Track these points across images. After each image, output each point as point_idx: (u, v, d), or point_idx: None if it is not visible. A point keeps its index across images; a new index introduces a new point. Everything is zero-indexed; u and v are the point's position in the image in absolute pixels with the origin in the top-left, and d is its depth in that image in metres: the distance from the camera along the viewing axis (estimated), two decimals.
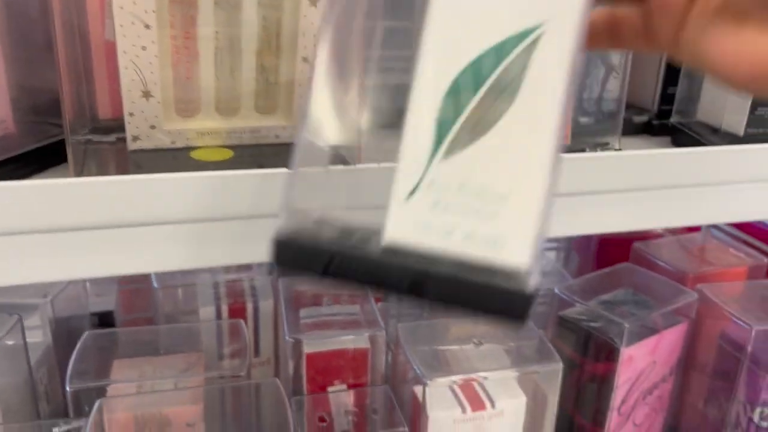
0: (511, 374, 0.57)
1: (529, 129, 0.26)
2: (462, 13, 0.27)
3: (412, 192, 0.27)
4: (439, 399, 0.56)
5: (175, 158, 0.45)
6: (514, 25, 0.27)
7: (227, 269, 0.72)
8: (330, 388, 0.60)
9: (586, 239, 0.82)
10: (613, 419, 0.63)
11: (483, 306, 0.26)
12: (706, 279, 0.69)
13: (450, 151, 0.27)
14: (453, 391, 0.57)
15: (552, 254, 0.90)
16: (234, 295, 0.68)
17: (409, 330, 0.58)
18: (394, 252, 0.27)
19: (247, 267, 0.71)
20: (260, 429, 0.56)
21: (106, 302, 0.74)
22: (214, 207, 0.40)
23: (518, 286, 0.26)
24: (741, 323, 0.63)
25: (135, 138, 0.45)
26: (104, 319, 0.72)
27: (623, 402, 0.63)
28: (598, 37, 0.31)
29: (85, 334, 0.60)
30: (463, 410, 0.56)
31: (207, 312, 0.67)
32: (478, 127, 0.27)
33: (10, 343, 0.57)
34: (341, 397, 0.59)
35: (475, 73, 0.27)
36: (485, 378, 0.57)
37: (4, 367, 0.57)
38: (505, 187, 0.27)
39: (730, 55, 0.26)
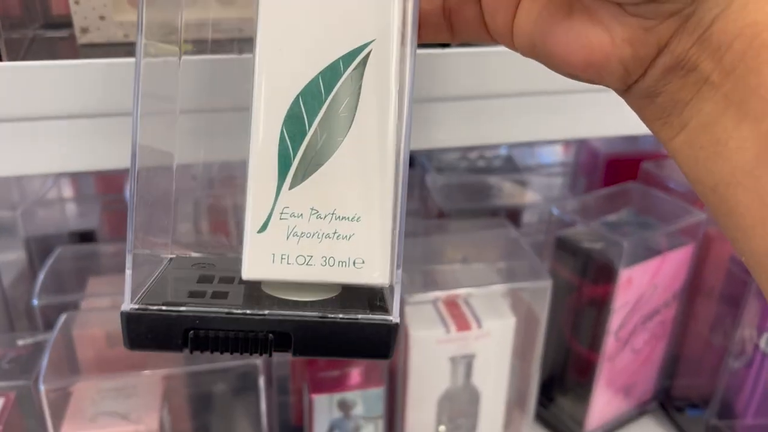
0: (496, 290, 0.54)
1: (369, 149, 0.27)
2: (288, 44, 0.27)
3: (264, 226, 0.27)
4: (421, 318, 0.53)
5: (129, 54, 0.42)
6: (339, 49, 0.27)
7: (211, 185, 0.69)
8: None
9: (593, 160, 0.77)
10: (609, 344, 0.60)
11: (350, 345, 0.26)
12: None
13: (296, 181, 0.27)
14: (437, 310, 0.54)
15: (558, 179, 0.86)
16: (215, 212, 0.65)
17: None
18: (256, 300, 0.27)
19: (226, 184, 0.68)
20: None
21: (89, 222, 0.71)
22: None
23: (382, 319, 0.26)
24: None
25: (84, 30, 0.42)
26: (86, 239, 0.70)
27: (621, 326, 0.60)
28: (435, 28, 0.31)
29: (59, 250, 0.58)
30: (447, 330, 0.53)
31: (186, 228, 0.64)
32: (320, 154, 0.27)
33: None
34: None
35: (309, 99, 0.27)
36: (470, 295, 0.54)
37: None
38: (355, 209, 0.27)
39: (563, 46, 0.27)
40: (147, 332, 0.26)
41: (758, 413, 0.64)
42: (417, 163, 0.85)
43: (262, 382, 0.47)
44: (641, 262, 0.58)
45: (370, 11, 0.27)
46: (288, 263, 0.27)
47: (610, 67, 0.26)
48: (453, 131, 0.43)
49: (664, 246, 0.61)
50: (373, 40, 0.27)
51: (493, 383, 0.57)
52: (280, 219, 0.27)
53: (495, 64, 0.42)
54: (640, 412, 0.69)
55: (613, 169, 0.76)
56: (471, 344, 0.54)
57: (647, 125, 0.29)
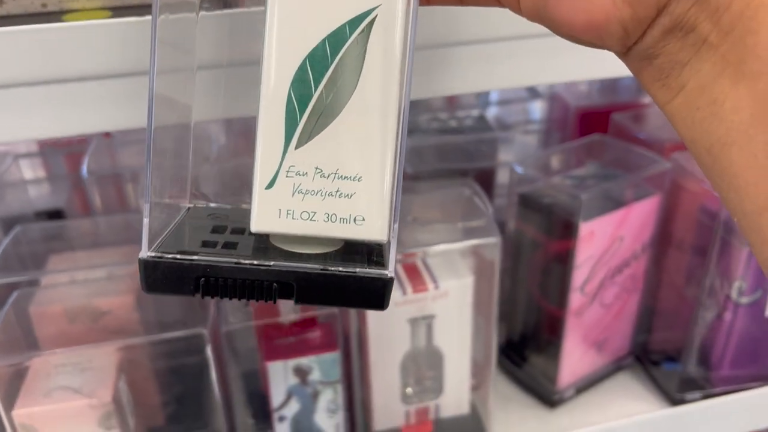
0: (450, 249, 0.53)
1: (372, 112, 0.28)
2: (297, 7, 0.28)
3: (272, 183, 0.29)
4: None
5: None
6: (349, 11, 0.28)
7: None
8: None
9: (564, 115, 0.76)
10: (575, 300, 0.59)
11: (348, 295, 0.28)
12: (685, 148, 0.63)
13: (302, 141, 0.28)
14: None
15: (532, 137, 0.85)
16: (177, 185, 0.64)
17: None
18: (263, 252, 0.29)
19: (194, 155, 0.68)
20: (188, 322, 0.53)
21: (56, 201, 0.71)
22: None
23: (379, 273, 0.28)
24: None
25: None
26: (54, 219, 0.70)
27: (587, 281, 0.59)
28: None
29: (16, 228, 0.58)
30: (404, 291, 0.53)
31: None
32: (325, 115, 0.28)
33: None
34: None
35: (315, 62, 0.28)
36: (426, 255, 0.54)
37: None
38: (357, 169, 0.28)
39: (565, 9, 0.27)
40: (162, 278, 0.28)
41: (734, 364, 0.64)
42: None
43: (209, 351, 0.47)
44: (603, 215, 0.57)
45: None
46: (293, 218, 0.29)
47: (610, 28, 0.27)
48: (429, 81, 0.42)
49: (629, 197, 0.59)
50: (379, 5, 0.28)
51: (456, 343, 0.57)
52: (287, 177, 0.29)
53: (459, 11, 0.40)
54: (616, 367, 0.68)
55: (585, 123, 0.75)
56: (429, 305, 0.54)
57: (645, 88, 0.29)
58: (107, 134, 0.71)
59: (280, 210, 0.29)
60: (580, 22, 0.27)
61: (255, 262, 0.28)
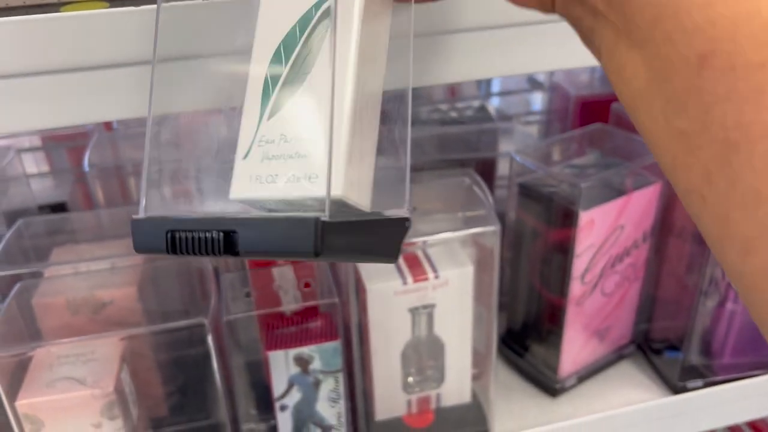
0: (449, 238, 0.54)
1: (327, 81, 0.29)
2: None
3: (247, 153, 0.31)
4: (378, 270, 0.53)
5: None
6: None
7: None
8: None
9: (565, 104, 0.76)
10: (576, 289, 0.59)
11: (283, 241, 0.28)
12: None
13: (273, 113, 0.31)
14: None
15: (533, 127, 0.85)
16: (178, 178, 0.65)
17: None
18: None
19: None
20: (191, 312, 0.54)
21: (59, 195, 0.72)
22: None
23: (311, 216, 0.27)
24: None
25: None
26: (57, 211, 0.70)
27: (587, 270, 0.59)
28: None
29: (19, 222, 0.58)
30: (404, 281, 0.53)
31: None
32: (291, 87, 0.30)
33: None
34: (282, 271, 0.56)
35: (288, 44, 0.31)
36: (426, 244, 0.54)
37: None
38: (314, 133, 0.30)
39: None
40: (144, 236, 0.30)
41: (735, 352, 0.64)
42: None
43: (210, 340, 0.47)
44: (603, 204, 0.57)
45: None
46: (260, 183, 0.30)
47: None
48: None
49: (629, 186, 0.59)
50: None
51: (457, 332, 0.57)
52: (258, 146, 0.31)
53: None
54: (617, 356, 0.68)
55: (585, 113, 0.74)
56: (429, 294, 0.54)
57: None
58: (109, 127, 0.71)
59: (250, 176, 0.31)
60: None
61: (210, 214, 0.30)
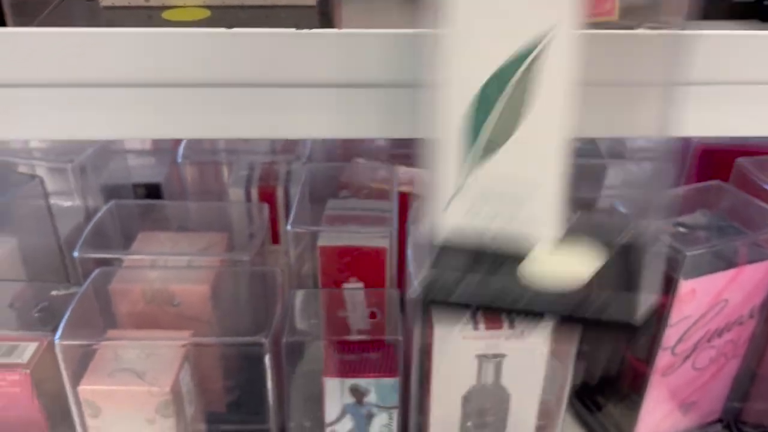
0: None
1: (548, 123, 0.30)
2: (481, 24, 0.29)
3: (453, 197, 0.32)
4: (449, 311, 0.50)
5: (149, 17, 0.41)
6: (529, 33, 0.29)
7: (274, 148, 0.69)
8: (345, 285, 0.57)
9: (683, 149, 0.69)
10: (664, 359, 0.54)
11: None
12: None
13: (481, 157, 0.31)
14: None
15: (645, 168, 0.78)
16: (266, 179, 0.64)
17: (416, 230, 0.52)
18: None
19: (287, 150, 0.67)
20: (259, 316, 0.53)
21: (156, 175, 0.73)
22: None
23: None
24: None
25: None
26: (151, 192, 0.72)
27: (680, 341, 0.54)
28: None
29: (110, 203, 0.60)
30: (476, 326, 0.50)
31: (236, 194, 0.64)
32: (504, 131, 0.30)
33: (35, 204, 0.58)
34: (352, 295, 0.55)
35: (497, 82, 0.30)
36: None
37: (30, 227, 0.58)
38: (534, 176, 0.31)
39: None
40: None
41: None
42: None
43: (267, 360, 0.46)
44: (708, 274, 0.51)
45: None
46: (478, 220, 0.32)
47: None
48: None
49: (742, 257, 0.53)
50: (554, 26, 0.29)
51: (526, 386, 0.53)
52: (467, 189, 0.32)
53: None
54: None
55: (705, 162, 0.68)
56: (501, 344, 0.51)
57: None
58: None
59: (465, 216, 0.32)
60: None
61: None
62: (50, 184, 0.63)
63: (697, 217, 0.58)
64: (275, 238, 0.65)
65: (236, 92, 0.37)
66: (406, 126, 0.36)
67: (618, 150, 0.75)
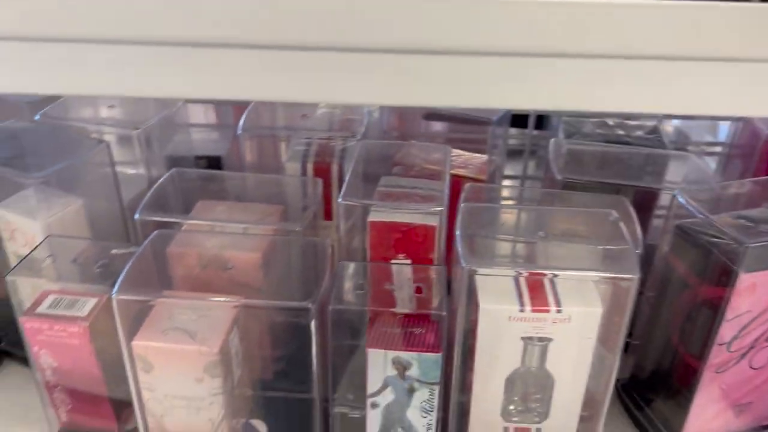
0: (582, 276, 0.49)
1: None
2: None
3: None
4: (496, 290, 0.50)
5: None
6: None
7: (331, 125, 0.70)
8: (393, 260, 0.57)
9: (753, 142, 0.67)
10: (718, 355, 0.53)
11: None
12: None
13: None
14: (518, 285, 0.51)
15: (711, 161, 0.76)
16: (322, 155, 0.65)
17: (470, 212, 0.52)
18: None
19: (343, 128, 0.68)
20: (308, 286, 0.54)
21: (218, 148, 0.75)
22: None
23: None
24: None
25: None
26: (213, 164, 0.74)
27: (736, 338, 0.52)
28: None
29: (172, 171, 0.62)
30: (522, 307, 0.49)
31: (293, 168, 0.65)
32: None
33: (101, 170, 0.60)
34: (400, 270, 0.55)
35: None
36: (554, 276, 0.50)
37: (97, 190, 0.61)
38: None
39: None
40: None
41: None
42: (551, 125, 0.79)
43: (313, 326, 0.47)
44: None
45: None
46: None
47: None
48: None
49: None
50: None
51: (572, 372, 0.52)
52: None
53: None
54: None
55: None
56: (548, 327, 0.50)
57: None
58: None
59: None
60: None
61: None
62: (117, 152, 0.66)
63: (763, 211, 0.56)
64: (328, 215, 0.66)
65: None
66: None
67: (681, 141, 0.73)
